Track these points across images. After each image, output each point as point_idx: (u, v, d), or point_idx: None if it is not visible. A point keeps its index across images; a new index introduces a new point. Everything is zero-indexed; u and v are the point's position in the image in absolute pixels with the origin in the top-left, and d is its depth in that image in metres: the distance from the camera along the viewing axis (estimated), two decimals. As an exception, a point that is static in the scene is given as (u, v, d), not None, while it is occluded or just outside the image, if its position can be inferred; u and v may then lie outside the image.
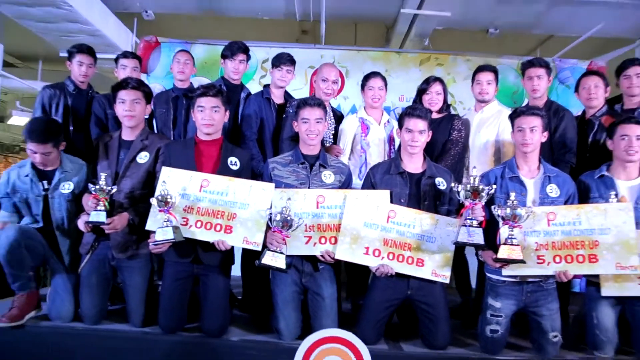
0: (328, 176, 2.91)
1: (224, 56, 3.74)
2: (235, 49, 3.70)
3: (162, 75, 5.22)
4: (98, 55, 5.28)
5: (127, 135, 3.00)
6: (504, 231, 2.59)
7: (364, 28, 6.21)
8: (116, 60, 3.86)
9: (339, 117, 3.73)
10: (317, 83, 3.66)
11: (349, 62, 5.30)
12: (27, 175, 2.90)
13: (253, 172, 3.16)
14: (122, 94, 2.93)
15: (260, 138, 3.58)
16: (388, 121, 3.66)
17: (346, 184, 2.96)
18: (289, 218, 2.61)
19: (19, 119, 8.73)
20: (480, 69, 3.63)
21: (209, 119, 2.84)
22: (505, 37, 5.87)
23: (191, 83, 4.03)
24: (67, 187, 2.92)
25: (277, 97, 3.69)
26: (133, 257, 2.87)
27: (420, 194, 2.86)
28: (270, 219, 2.64)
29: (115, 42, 5.30)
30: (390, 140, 3.59)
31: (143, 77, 5.23)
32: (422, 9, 4.82)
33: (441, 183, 2.88)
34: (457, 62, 5.30)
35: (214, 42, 5.28)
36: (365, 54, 5.35)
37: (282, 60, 3.59)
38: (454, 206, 2.87)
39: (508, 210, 2.55)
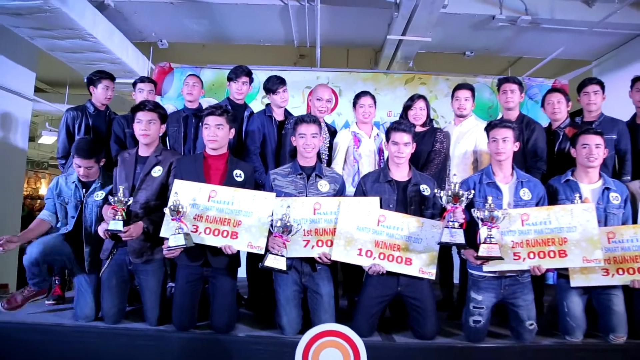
0: (323, 185, 2.86)
1: (229, 79, 3.70)
2: (239, 72, 3.66)
3: (175, 96, 5.20)
4: (118, 80, 5.33)
5: (143, 151, 2.96)
6: (483, 232, 2.55)
7: (355, 52, 6.20)
8: (134, 84, 3.82)
9: (332, 132, 3.68)
10: (312, 102, 3.62)
11: (342, 82, 5.28)
12: (73, 182, 2.98)
13: (256, 182, 3.10)
14: (140, 115, 2.91)
15: (263, 152, 3.53)
16: (377, 135, 3.61)
17: (340, 191, 2.91)
18: (288, 224, 2.56)
19: (48, 139, 8.73)
20: (459, 87, 3.60)
21: (213, 135, 2.81)
22: (480, 59, 5.86)
23: (200, 104, 3.98)
24: (99, 195, 2.95)
25: (278, 115, 3.64)
26: (148, 261, 2.82)
27: (407, 200, 2.81)
28: (271, 225, 2.58)
29: (134, 68, 5.26)
30: (380, 151, 3.54)
31: (158, 99, 5.23)
32: (405, 35, 4.79)
33: (425, 189, 2.84)
34: (439, 81, 5.30)
35: (221, 66, 5.25)
36: (357, 75, 5.34)
37: (275, 85, 3.54)
38: (438, 210, 2.81)
39: (486, 213, 2.53)
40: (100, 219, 2.90)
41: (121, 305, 2.86)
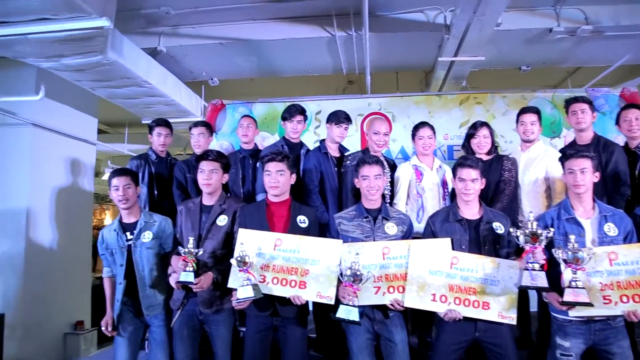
0: (391, 228, 2.75)
1: (283, 118, 3.70)
2: (293, 111, 3.65)
3: (228, 132, 5.23)
4: (174, 120, 5.45)
5: (207, 200, 2.96)
6: (567, 274, 2.35)
7: (405, 75, 6.08)
8: (190, 128, 3.88)
9: (392, 165, 3.58)
10: (369, 136, 3.54)
11: (394, 108, 5.14)
12: (114, 230, 2.97)
13: (320, 223, 3.04)
14: (203, 165, 2.92)
15: (322, 190, 3.48)
16: (440, 166, 3.48)
17: (408, 233, 2.79)
18: (358, 273, 2.47)
19: (110, 175, 9.11)
20: (524, 110, 3.44)
21: (275, 182, 2.77)
22: (536, 72, 5.61)
23: (255, 144, 4.01)
24: (147, 236, 2.95)
25: (334, 151, 3.60)
26: (218, 311, 2.80)
27: (480, 239, 2.65)
28: (341, 274, 2.51)
29: (187, 107, 5.39)
30: (444, 184, 3.41)
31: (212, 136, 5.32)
32: (458, 55, 4.64)
33: (499, 227, 2.67)
34: (495, 99, 5.04)
35: (272, 100, 5.28)
36: (409, 99, 5.18)
37: (341, 119, 3.50)
38: (513, 248, 2.64)
39: (570, 253, 2.33)
40: (150, 262, 2.93)
41: (193, 355, 2.85)
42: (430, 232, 2.78)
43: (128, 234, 2.96)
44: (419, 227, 3.12)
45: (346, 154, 3.62)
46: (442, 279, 2.57)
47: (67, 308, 5.12)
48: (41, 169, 4.82)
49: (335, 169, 3.52)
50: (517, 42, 4.72)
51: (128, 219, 3.00)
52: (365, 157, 2.88)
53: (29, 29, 3.18)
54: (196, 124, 3.91)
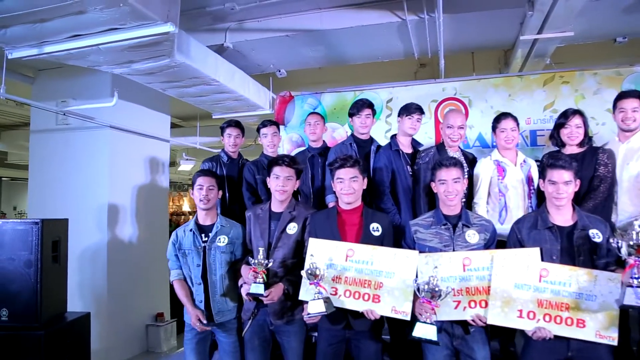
0: (472, 235, 2.56)
1: (351, 114, 3.57)
2: (361, 105, 3.51)
3: (298, 125, 5.18)
4: (243, 114, 5.51)
5: (276, 207, 2.92)
6: (681, 291, 2.07)
7: (481, 55, 5.66)
8: (258, 130, 3.84)
9: (471, 161, 3.34)
10: (443, 130, 3.34)
11: (470, 92, 4.81)
12: (190, 230, 2.99)
13: (393, 227, 2.90)
14: (277, 170, 2.86)
15: (393, 190, 3.33)
16: (524, 161, 3.20)
17: (491, 241, 2.59)
18: (437, 289, 2.31)
19: (185, 167, 9.56)
20: (624, 95, 3.07)
21: (348, 189, 2.66)
22: (635, 44, 4.98)
23: (324, 142, 3.90)
24: (222, 240, 2.97)
25: (406, 147, 3.43)
26: (289, 322, 2.78)
27: (574, 249, 2.40)
28: (417, 288, 2.36)
29: (256, 101, 5.38)
30: (529, 180, 3.13)
31: (281, 128, 5.28)
32: (542, 32, 4.23)
33: (596, 235, 2.40)
34: (585, 78, 4.55)
35: (341, 89, 5.14)
36: (487, 81, 4.81)
37: (412, 110, 3.32)
38: (613, 257, 2.37)
39: (683, 268, 2.04)
40: (223, 266, 2.94)
41: (265, 365, 2.86)
42: (515, 241, 2.56)
43: (203, 235, 2.99)
44: (502, 228, 2.91)
45: (420, 149, 3.43)
46: (529, 293, 2.36)
47: (147, 300, 5.39)
48: (119, 168, 5.05)
49: (408, 167, 3.36)
50: (613, 11, 4.19)
51: (204, 221, 3.04)
52: (442, 158, 2.69)
53: (100, 40, 3.26)
54: (267, 123, 3.84)
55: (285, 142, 5.22)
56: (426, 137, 4.64)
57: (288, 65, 5.43)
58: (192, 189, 3.07)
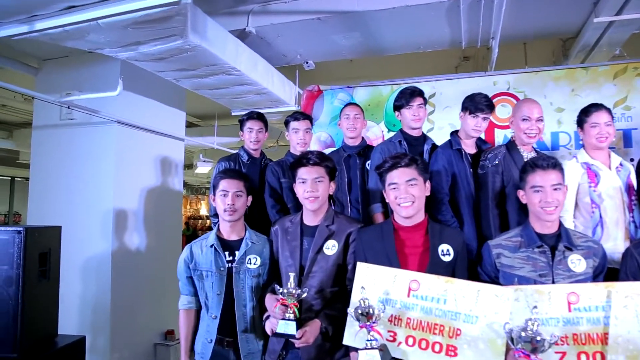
0: (577, 262, 1.88)
1: (398, 107, 2.92)
2: (409, 95, 2.86)
3: (327, 123, 4.55)
4: (266, 110, 4.88)
5: (309, 219, 2.25)
6: None
7: (535, 46, 4.96)
8: (286, 123, 3.19)
9: (550, 164, 2.66)
10: (515, 124, 2.67)
11: (526, 86, 4.11)
12: (211, 246, 2.31)
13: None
14: (303, 173, 2.20)
15: (453, 198, 2.67)
16: (621, 164, 2.53)
17: (601, 268, 1.92)
18: (538, 338, 1.62)
19: (203, 169, 9.03)
20: None
21: (405, 196, 2.00)
22: None
23: (363, 139, 3.25)
24: (254, 262, 2.30)
25: (469, 147, 2.77)
26: (328, 369, 2.09)
27: None
28: (511, 338, 1.67)
29: (280, 96, 4.76)
30: (629, 188, 2.46)
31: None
32: (622, 13, 3.53)
33: None
34: (663, 69, 3.88)
35: (376, 83, 4.48)
36: (545, 74, 4.10)
37: (481, 106, 2.64)
38: None
39: None
40: (255, 296, 2.29)
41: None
42: (636, 270, 1.88)
43: (227, 254, 2.32)
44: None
45: (485, 148, 2.76)
46: (666, 345, 1.67)
47: (156, 316, 4.77)
48: (127, 168, 4.47)
49: (472, 170, 2.68)
50: None
51: (229, 235, 2.37)
52: (537, 158, 2.02)
53: (99, 13, 2.71)
54: (299, 117, 3.18)
55: (313, 142, 4.57)
56: (476, 137, 3.97)
57: (317, 56, 4.79)
58: (213, 195, 2.40)
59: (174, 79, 3.99)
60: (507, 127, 4.01)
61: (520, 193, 2.03)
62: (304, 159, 2.21)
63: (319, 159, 2.21)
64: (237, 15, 4.07)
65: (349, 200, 3.00)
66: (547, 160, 1.94)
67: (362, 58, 5.03)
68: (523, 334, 1.63)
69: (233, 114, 5.26)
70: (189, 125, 7.65)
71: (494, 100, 4.16)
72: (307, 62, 4.86)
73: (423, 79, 4.40)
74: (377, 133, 4.41)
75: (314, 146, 4.52)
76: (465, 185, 2.65)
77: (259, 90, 4.43)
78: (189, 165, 11.05)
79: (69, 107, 4.12)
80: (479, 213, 2.60)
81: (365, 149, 3.14)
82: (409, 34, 4.23)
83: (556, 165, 1.94)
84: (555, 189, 1.90)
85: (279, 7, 3.97)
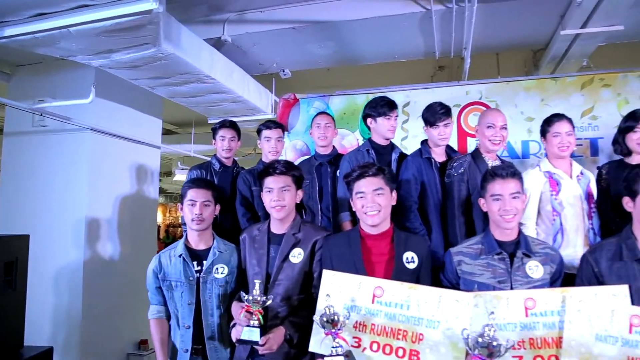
0: (535, 268, 1.95)
1: (368, 115, 2.97)
2: (388, 106, 2.90)
3: (303, 131, 4.61)
4: (242, 118, 4.92)
5: (276, 227, 2.29)
6: None
7: (507, 56, 5.08)
8: (258, 132, 3.22)
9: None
10: (480, 132, 2.74)
11: (498, 96, 4.23)
12: (180, 255, 2.32)
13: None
14: (269, 182, 2.23)
15: (423, 206, 2.72)
16: (582, 173, 2.61)
17: (558, 274, 1.99)
18: (495, 343, 1.67)
19: (181, 176, 8.97)
20: None
21: (372, 204, 2.04)
22: (685, 43, 4.41)
23: (334, 148, 3.30)
24: (221, 272, 2.31)
25: (439, 155, 2.83)
26: (294, 377, 2.12)
27: (677, 289, 1.80)
28: (467, 342, 1.71)
29: (257, 104, 4.78)
30: (589, 197, 2.53)
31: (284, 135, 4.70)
32: (587, 26, 3.65)
33: None
34: (628, 80, 3.98)
35: (352, 92, 4.58)
36: (517, 84, 4.22)
37: (437, 116, 2.71)
38: None
39: None
40: (222, 306, 2.31)
41: None
42: (591, 275, 1.95)
43: (195, 263, 2.33)
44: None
45: (454, 157, 2.83)
46: (616, 348, 1.73)
47: (130, 325, 4.72)
48: (101, 176, 4.43)
49: (441, 178, 2.74)
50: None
51: (197, 245, 2.38)
52: (497, 167, 2.09)
53: (69, 20, 2.69)
54: (271, 125, 3.23)
55: (289, 150, 4.63)
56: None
57: (293, 65, 4.84)
58: (181, 204, 2.41)
59: (148, 86, 3.98)
60: (477, 135, 4.10)
61: (481, 201, 2.09)
62: (270, 168, 2.24)
63: (285, 168, 2.24)
64: (213, 24, 4.10)
65: (319, 208, 3.04)
66: (506, 170, 2.01)
67: (339, 67, 5.09)
68: (480, 339, 1.68)
69: (210, 121, 5.26)
70: (166, 132, 7.63)
71: (466, 110, 4.33)
72: (283, 71, 4.90)
73: (397, 88, 4.48)
74: (352, 141, 4.47)
75: (290, 154, 4.57)
76: (434, 193, 2.71)
77: (234, 99, 4.44)
78: (167, 173, 10.99)
79: (41, 115, 4.09)
80: (446, 220, 2.66)
81: (336, 158, 3.19)
82: (383, 43, 4.30)
83: (515, 174, 2.01)
84: (513, 198, 1.96)
85: (255, 16, 4.01)
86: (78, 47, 3.06)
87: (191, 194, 2.35)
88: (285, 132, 4.66)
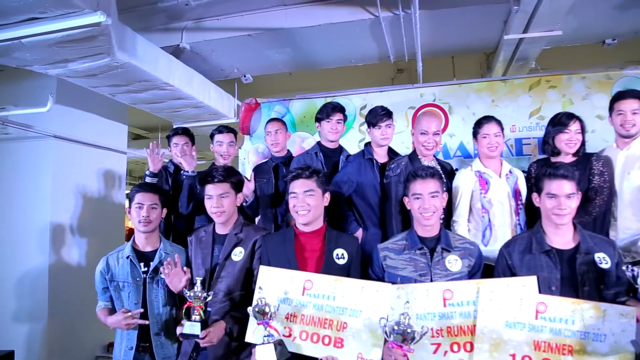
0: (454, 262, 2.12)
1: (318, 119, 3.14)
2: (330, 109, 3.08)
3: (264, 134, 4.72)
4: (205, 123, 5.04)
5: (220, 229, 2.44)
6: None
7: (462, 60, 5.31)
8: (211, 136, 3.37)
9: (449, 172, 2.93)
10: (415, 136, 2.91)
11: (451, 98, 4.43)
12: (127, 257, 2.45)
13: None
14: (209, 189, 2.39)
15: (363, 205, 2.90)
16: (510, 172, 2.79)
17: (477, 267, 2.16)
18: (409, 330, 1.83)
19: (150, 179, 8.93)
20: (621, 96, 2.70)
21: (302, 205, 2.20)
22: (624, 46, 4.66)
23: (289, 151, 3.48)
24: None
25: (381, 156, 3.00)
26: (235, 368, 2.27)
27: (577, 277, 1.99)
28: (385, 330, 1.87)
29: (218, 109, 4.91)
30: (516, 194, 2.72)
31: (246, 139, 4.84)
32: (528, 31, 3.87)
33: (603, 260, 2.00)
34: (572, 82, 4.21)
35: (311, 95, 4.74)
36: (468, 86, 4.43)
37: (378, 117, 2.89)
38: (624, 286, 1.96)
39: None
40: (168, 305, 2.44)
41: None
42: (505, 268, 2.14)
43: (142, 264, 2.46)
44: (486, 250, 2.50)
45: (391, 162, 2.99)
46: (524, 333, 1.92)
47: (98, 328, 4.75)
48: (66, 182, 4.52)
49: (381, 178, 2.92)
50: (604, 9, 3.85)
51: (144, 246, 2.52)
52: (417, 168, 2.26)
53: (20, 32, 2.78)
54: (223, 130, 3.36)
55: (251, 153, 4.78)
56: (403, 147, 4.23)
57: (253, 70, 4.99)
58: (129, 207, 2.54)
59: (109, 94, 4.09)
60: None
61: (406, 200, 2.26)
62: (209, 176, 2.40)
63: (224, 176, 2.39)
64: (171, 32, 4.24)
65: (273, 211, 3.19)
66: (426, 171, 2.18)
67: (301, 71, 5.26)
68: (396, 327, 1.84)
69: (175, 126, 5.38)
70: (136, 137, 7.70)
71: (421, 112, 4.51)
72: (244, 76, 5.05)
73: (355, 91, 4.66)
74: (312, 144, 4.62)
75: (252, 157, 4.72)
76: (374, 193, 2.88)
77: (196, 104, 4.57)
78: (140, 177, 11.00)
79: (3, 123, 4.17)
80: (384, 221, 2.83)
81: (290, 159, 3.35)
82: (338, 49, 4.48)
83: (434, 175, 2.18)
84: (432, 197, 2.14)
85: (212, 24, 4.16)
86: (33, 58, 3.17)
87: (138, 197, 2.48)
88: (247, 137, 4.83)
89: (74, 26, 2.70)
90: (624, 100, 2.66)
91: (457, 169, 3.06)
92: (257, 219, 3.33)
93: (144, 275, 2.44)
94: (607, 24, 4.14)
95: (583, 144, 2.72)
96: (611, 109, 2.76)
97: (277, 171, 3.32)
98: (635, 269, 1.77)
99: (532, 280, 1.99)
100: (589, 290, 1.97)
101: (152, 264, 2.45)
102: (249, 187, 3.00)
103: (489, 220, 2.66)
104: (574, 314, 1.89)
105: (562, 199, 2.00)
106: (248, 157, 4.77)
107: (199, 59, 4.49)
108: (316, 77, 5.60)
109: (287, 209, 3.11)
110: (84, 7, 2.59)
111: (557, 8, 3.54)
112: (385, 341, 1.92)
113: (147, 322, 2.37)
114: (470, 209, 2.73)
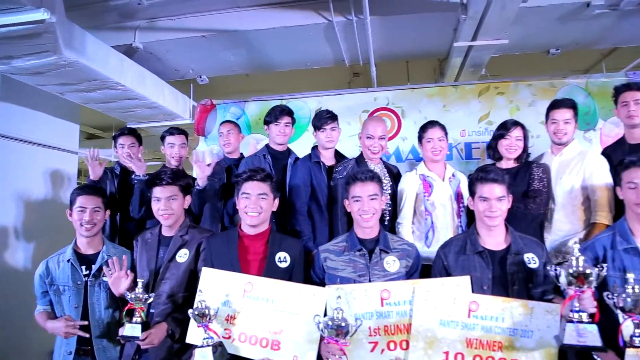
0: (392, 263, 2.18)
1: (266, 122, 3.15)
2: (278, 112, 3.11)
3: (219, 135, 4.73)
4: (159, 123, 4.97)
5: (166, 231, 2.44)
6: (628, 327, 1.76)
7: (416, 65, 5.43)
8: (162, 138, 3.34)
9: (395, 175, 3.00)
10: (362, 140, 2.98)
11: (404, 102, 4.53)
12: (68, 260, 2.40)
13: (307, 253, 2.49)
14: (157, 192, 2.38)
15: (312, 207, 2.93)
16: (453, 175, 2.89)
17: (414, 268, 2.23)
18: (343, 324, 1.86)
19: (107, 180, 8.77)
20: (556, 105, 2.83)
21: (254, 207, 2.22)
22: (567, 55, 4.89)
23: (242, 153, 3.49)
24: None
25: (328, 159, 3.04)
26: (178, 370, 2.26)
27: (507, 277, 2.08)
28: (319, 326, 1.90)
29: (173, 110, 4.86)
30: (458, 197, 2.82)
31: (201, 140, 4.81)
32: (476, 39, 4.00)
33: (532, 260, 2.10)
34: (519, 89, 4.39)
35: (266, 97, 4.76)
36: (420, 91, 4.54)
37: (323, 120, 2.94)
38: (551, 285, 2.05)
39: (630, 300, 1.74)
40: (110, 308, 2.40)
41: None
42: (441, 268, 2.21)
43: (84, 268, 2.41)
44: (429, 252, 2.58)
45: (338, 165, 3.04)
46: (457, 331, 2.00)
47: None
48: (11, 182, 4.35)
49: (329, 181, 2.96)
50: (547, 20, 4.02)
51: (86, 249, 2.47)
52: (357, 171, 2.30)
53: (-43, 28, 2.69)
54: (174, 131, 3.36)
55: (206, 155, 4.73)
56: (357, 149, 4.26)
57: (209, 71, 4.97)
58: (70, 209, 2.48)
59: (57, 92, 3.99)
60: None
61: (346, 202, 2.31)
62: (157, 179, 2.39)
63: (172, 178, 2.39)
64: (123, 31, 4.17)
65: (224, 205, 3.19)
66: (365, 174, 2.24)
67: (257, 73, 5.26)
68: (330, 322, 1.88)
69: (128, 126, 5.28)
70: (90, 137, 7.52)
71: (368, 117, 4.57)
72: (200, 77, 5.02)
73: (310, 94, 4.70)
74: (268, 146, 4.64)
75: (207, 158, 4.67)
76: (322, 195, 2.92)
77: (148, 105, 4.51)
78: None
79: (-57, 120, 4.01)
80: (331, 223, 2.87)
81: (241, 160, 3.36)
82: (293, 51, 4.51)
83: (374, 178, 2.24)
84: (372, 199, 2.19)
85: (166, 24, 4.12)
86: (-26, 53, 3.07)
87: (80, 200, 2.43)
88: (202, 138, 4.80)
89: (16, 22, 2.63)
90: (558, 109, 2.79)
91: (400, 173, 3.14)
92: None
93: (86, 278, 2.39)
94: (551, 35, 4.33)
95: (525, 150, 2.82)
96: (547, 117, 2.89)
97: (230, 172, 3.32)
98: (559, 268, 1.86)
99: (465, 280, 2.07)
100: (518, 289, 2.06)
101: (94, 267, 2.41)
102: (203, 171, 2.96)
103: (432, 223, 2.74)
104: (504, 312, 1.98)
105: (492, 202, 2.09)
106: (203, 158, 4.73)
107: (153, 59, 4.44)
108: (273, 79, 5.61)
109: (234, 210, 3.14)
110: (26, 3, 2.54)
111: (504, 18, 3.66)
112: (322, 338, 1.95)
113: (87, 335, 2.32)
114: (415, 212, 2.81)
